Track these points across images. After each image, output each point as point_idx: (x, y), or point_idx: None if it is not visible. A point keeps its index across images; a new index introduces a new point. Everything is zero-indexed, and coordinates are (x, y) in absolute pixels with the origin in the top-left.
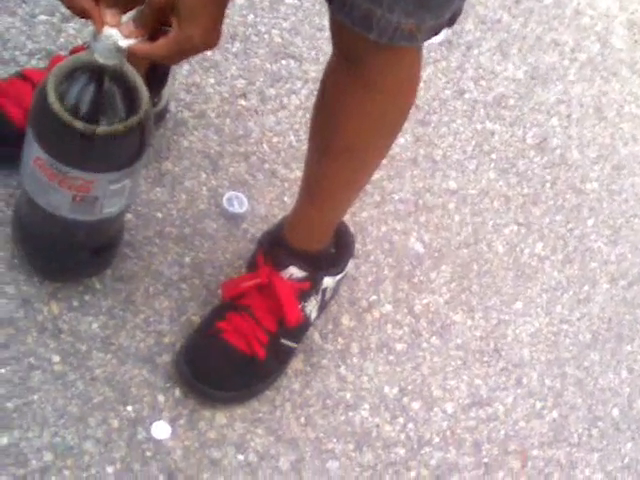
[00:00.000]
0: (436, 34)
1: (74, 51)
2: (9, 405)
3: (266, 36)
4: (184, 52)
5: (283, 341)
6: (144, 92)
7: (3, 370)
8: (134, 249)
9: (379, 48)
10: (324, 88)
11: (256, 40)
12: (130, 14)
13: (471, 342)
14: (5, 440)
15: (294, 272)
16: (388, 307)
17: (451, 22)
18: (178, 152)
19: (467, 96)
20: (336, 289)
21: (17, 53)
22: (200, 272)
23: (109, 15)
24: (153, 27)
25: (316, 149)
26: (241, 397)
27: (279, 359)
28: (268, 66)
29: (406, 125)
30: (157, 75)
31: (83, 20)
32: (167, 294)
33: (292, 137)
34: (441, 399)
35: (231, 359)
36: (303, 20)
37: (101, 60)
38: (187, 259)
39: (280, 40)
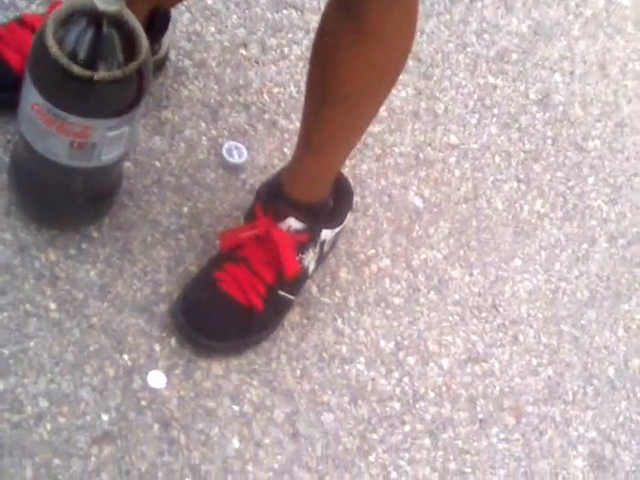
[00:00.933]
0: None
1: None
2: (5, 351)
3: None
4: None
5: (280, 293)
6: (143, 38)
7: None
8: (132, 198)
9: None
10: (321, 35)
11: None
12: None
13: (469, 298)
14: (1, 386)
15: (292, 224)
16: (386, 261)
17: None
18: (178, 101)
19: (470, 50)
20: (334, 242)
21: None
22: (198, 222)
23: None
24: None
25: (313, 97)
26: (237, 348)
27: (276, 311)
28: (269, 15)
29: (408, 78)
30: (157, 22)
31: None
32: (165, 244)
33: (292, 88)
34: (437, 354)
35: (228, 310)
36: None
37: (101, 5)
38: (185, 209)
39: None
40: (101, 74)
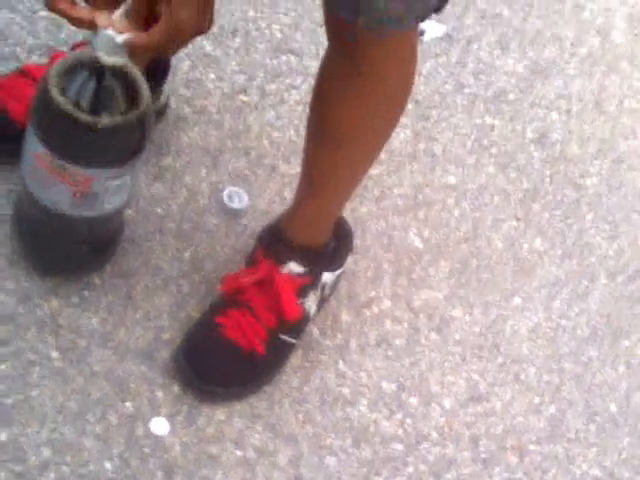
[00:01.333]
0: (423, 20)
1: (75, 47)
2: (8, 401)
3: (266, 31)
4: (176, 38)
5: (282, 337)
6: (145, 89)
7: (3, 366)
8: (134, 244)
9: (371, 36)
10: (321, 78)
11: (256, 35)
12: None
13: (469, 337)
14: (4, 436)
15: (293, 267)
16: (387, 303)
17: (439, 8)
18: (178, 147)
19: (467, 90)
20: (335, 284)
21: (17, 49)
22: (199, 268)
23: (102, 17)
24: (145, 17)
25: (314, 139)
26: (240, 393)
27: (278, 355)
28: (268, 61)
29: (406, 120)
30: (157, 71)
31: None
32: (167, 290)
33: (292, 132)
34: (439, 394)
35: (230, 355)
36: (303, 15)
37: (103, 57)
38: (187, 255)
39: (280, 35)
40: (105, 120)
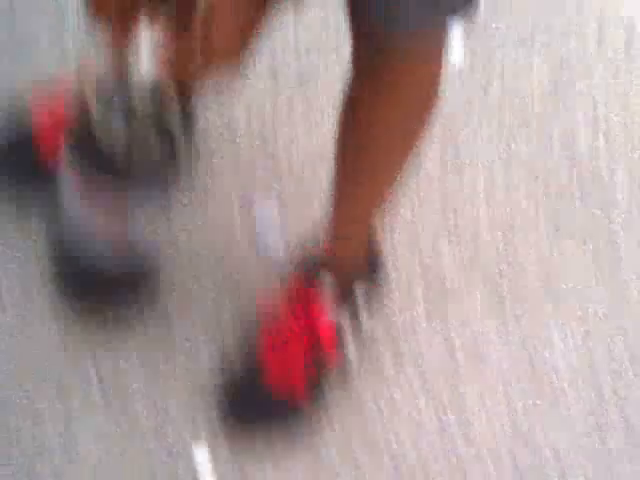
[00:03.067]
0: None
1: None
2: None
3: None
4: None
5: (322, 380)
6: (180, 139)
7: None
8: (169, 287)
9: (399, 59)
10: (342, 101)
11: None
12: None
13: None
14: None
15: (326, 280)
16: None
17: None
18: (210, 173)
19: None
20: (368, 301)
21: None
22: (235, 297)
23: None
24: None
25: (338, 167)
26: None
27: (317, 402)
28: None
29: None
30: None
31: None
32: (206, 337)
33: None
34: None
35: (275, 413)
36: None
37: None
38: (222, 285)
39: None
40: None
